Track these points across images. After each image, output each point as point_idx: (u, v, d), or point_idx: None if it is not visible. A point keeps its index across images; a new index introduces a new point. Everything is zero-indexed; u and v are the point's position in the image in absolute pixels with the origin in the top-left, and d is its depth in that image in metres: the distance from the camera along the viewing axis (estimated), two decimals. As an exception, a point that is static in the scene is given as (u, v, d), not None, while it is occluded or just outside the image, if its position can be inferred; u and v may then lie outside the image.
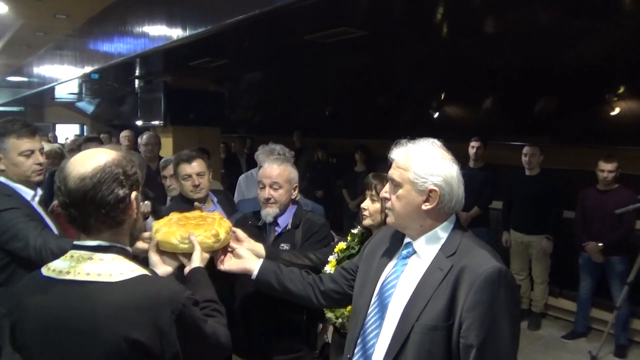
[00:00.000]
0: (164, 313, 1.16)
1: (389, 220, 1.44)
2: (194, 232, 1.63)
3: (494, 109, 5.72)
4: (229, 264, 1.76)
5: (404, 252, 1.43)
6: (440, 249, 1.36)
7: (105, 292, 1.15)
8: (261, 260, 1.78)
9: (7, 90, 16.50)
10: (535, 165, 4.66)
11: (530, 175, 4.70)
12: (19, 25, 7.62)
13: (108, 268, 1.19)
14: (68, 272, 1.19)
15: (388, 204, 1.43)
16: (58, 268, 1.21)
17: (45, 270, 1.23)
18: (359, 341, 1.42)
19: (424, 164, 1.36)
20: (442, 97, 6.12)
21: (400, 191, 1.38)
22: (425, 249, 1.38)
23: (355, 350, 1.42)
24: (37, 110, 18.37)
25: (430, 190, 1.35)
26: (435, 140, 1.43)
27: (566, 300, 4.84)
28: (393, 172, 1.41)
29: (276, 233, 2.22)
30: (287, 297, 1.77)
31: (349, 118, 7.46)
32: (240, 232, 1.88)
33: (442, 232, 1.39)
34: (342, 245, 2.06)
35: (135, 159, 2.85)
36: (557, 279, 4.85)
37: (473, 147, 5.00)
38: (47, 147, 5.15)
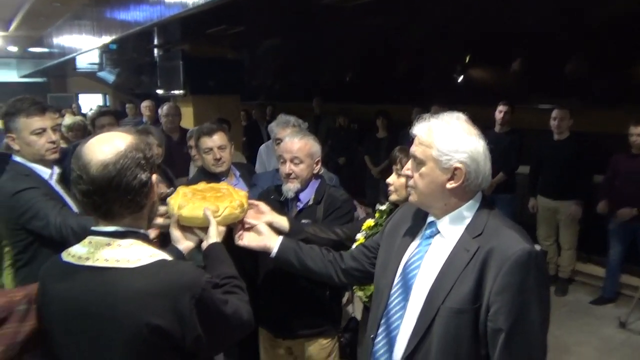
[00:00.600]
0: (183, 298, 1.15)
1: (412, 198, 1.39)
2: (219, 204, 1.62)
3: (521, 71, 5.50)
4: (248, 239, 1.74)
5: (428, 231, 1.39)
6: (466, 229, 1.31)
7: (124, 278, 1.15)
8: (281, 237, 1.75)
9: (29, 62, 16.66)
10: (564, 129, 4.48)
11: (559, 139, 4.54)
12: (35, -4, 7.59)
13: (126, 254, 1.18)
14: (87, 258, 1.19)
15: (410, 182, 1.37)
16: (78, 254, 1.21)
17: (65, 256, 1.23)
18: (382, 321, 1.39)
19: (448, 140, 1.28)
20: (467, 60, 5.90)
21: (423, 169, 1.32)
22: (450, 229, 1.33)
23: (379, 331, 1.40)
24: (59, 81, 18.58)
25: (455, 168, 1.28)
26: (461, 114, 1.35)
27: (594, 265, 4.76)
28: (415, 149, 1.34)
29: (298, 208, 2.18)
30: (308, 274, 1.75)
31: (369, 83, 7.30)
32: (263, 205, 1.86)
33: (467, 212, 1.33)
34: (370, 222, 2.00)
35: (152, 140, 2.83)
36: (585, 244, 4.75)
37: (501, 111, 4.83)
38: (69, 119, 5.20)
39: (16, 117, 2.07)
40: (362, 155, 6.48)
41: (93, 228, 1.24)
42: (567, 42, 4.83)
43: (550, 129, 4.54)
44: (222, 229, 1.63)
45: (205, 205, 1.61)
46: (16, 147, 2.10)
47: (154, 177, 1.25)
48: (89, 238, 1.23)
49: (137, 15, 6.14)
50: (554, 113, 4.49)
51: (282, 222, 1.89)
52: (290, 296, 2.14)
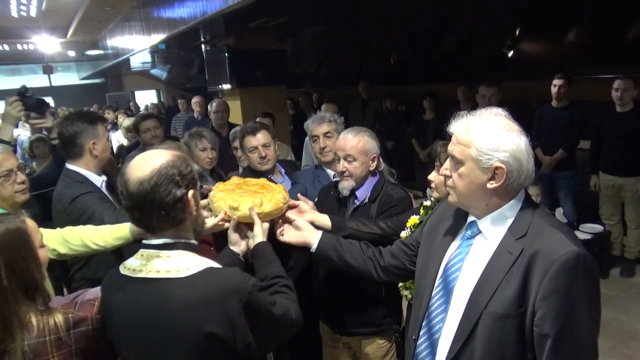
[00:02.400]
0: (232, 303, 1.20)
1: (451, 199, 1.35)
2: (264, 199, 1.65)
3: (579, 39, 5.15)
4: (288, 235, 1.75)
5: (468, 232, 1.34)
6: (509, 229, 1.25)
7: (175, 288, 1.21)
8: (320, 232, 1.75)
9: (88, 64, 17.52)
10: (628, 100, 4.19)
11: (622, 111, 4.25)
12: (87, 3, 7.92)
13: (175, 264, 1.24)
14: (141, 270, 1.26)
15: (449, 182, 1.33)
16: (132, 266, 1.28)
17: (122, 269, 1.30)
18: (424, 324, 1.37)
19: (487, 138, 1.23)
20: (517, 33, 5.60)
21: (462, 169, 1.27)
22: (492, 230, 1.28)
23: (421, 333, 1.38)
24: (116, 81, 19.42)
25: (496, 168, 1.23)
26: (500, 110, 1.29)
27: (664, 245, 4.44)
28: (453, 149, 1.29)
29: (354, 206, 2.17)
30: (347, 270, 1.74)
31: (415, 64, 7.10)
32: (303, 204, 1.87)
33: (509, 211, 1.27)
34: (414, 219, 1.96)
35: (205, 144, 2.90)
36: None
37: (556, 85, 4.56)
38: (128, 121, 5.40)
39: (96, 125, 2.24)
40: (410, 138, 6.36)
41: (144, 241, 1.30)
42: (628, 5, 4.47)
43: (613, 101, 4.25)
44: (266, 225, 1.66)
45: (249, 201, 1.64)
46: (95, 153, 2.23)
47: (191, 192, 1.28)
48: (141, 251, 1.29)
49: (182, 12, 6.28)
50: (616, 83, 4.19)
51: (324, 220, 1.89)
52: (345, 293, 2.15)
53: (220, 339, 1.19)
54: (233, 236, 1.65)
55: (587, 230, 4.41)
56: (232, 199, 1.66)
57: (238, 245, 1.64)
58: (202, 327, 1.18)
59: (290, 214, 1.78)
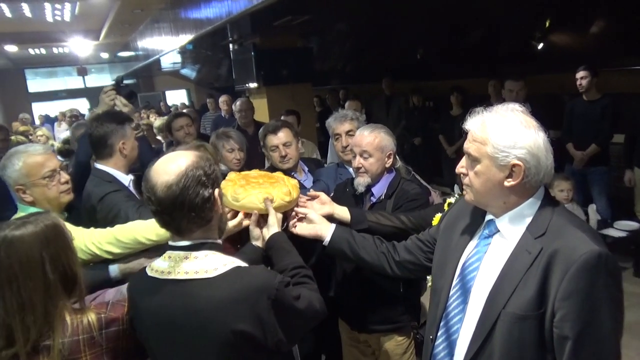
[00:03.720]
0: (260, 301, 1.22)
1: (467, 197, 1.32)
2: (270, 192, 1.66)
3: (611, 30, 4.97)
4: (300, 228, 1.75)
5: (486, 231, 1.32)
6: (527, 228, 1.23)
7: (204, 288, 1.23)
8: (333, 226, 1.75)
9: (120, 65, 17.97)
10: (664, 92, 4.04)
11: (658, 103, 4.10)
12: (117, 7, 8.12)
13: (203, 264, 1.26)
14: (169, 272, 1.28)
15: (465, 180, 1.31)
16: (160, 268, 1.30)
17: (149, 271, 1.33)
18: (441, 324, 1.36)
19: (504, 135, 1.20)
20: (547, 25, 5.44)
21: (478, 167, 1.25)
22: (510, 229, 1.26)
23: (439, 334, 1.36)
24: (147, 81, 19.85)
25: (513, 165, 1.20)
26: (516, 106, 1.26)
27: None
28: (469, 146, 1.27)
29: (371, 202, 2.16)
30: (361, 265, 1.74)
31: (442, 58, 7.00)
32: (324, 195, 1.87)
33: (528, 210, 1.24)
34: (439, 217, 1.93)
35: (232, 144, 2.95)
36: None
37: (578, 78, 4.43)
38: (159, 121, 5.51)
39: (125, 125, 2.29)
40: (438, 134, 6.27)
41: (170, 243, 1.33)
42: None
43: (647, 93, 4.11)
44: (280, 216, 1.67)
45: (261, 193, 1.64)
46: (125, 152, 2.29)
47: (217, 191, 1.30)
48: (168, 253, 1.32)
49: (208, 12, 6.38)
50: (651, 75, 4.05)
51: (343, 212, 1.89)
52: (363, 290, 2.14)
53: (250, 336, 1.21)
54: (256, 231, 1.66)
55: (622, 228, 4.26)
56: (261, 193, 1.66)
57: (260, 239, 1.65)
58: (232, 326, 1.19)
59: (307, 205, 1.79)
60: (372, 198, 2.17)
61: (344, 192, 2.26)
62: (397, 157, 2.20)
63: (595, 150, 4.46)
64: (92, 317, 1.34)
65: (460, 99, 5.88)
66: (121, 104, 2.66)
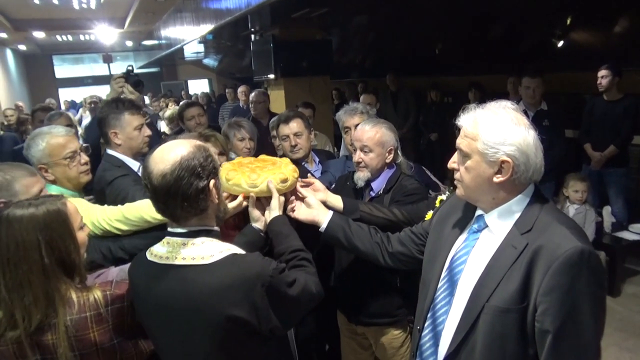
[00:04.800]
0: (255, 287, 1.25)
1: (458, 192, 1.35)
2: (259, 175, 1.67)
3: (634, 28, 4.85)
4: (298, 212, 1.77)
5: (475, 225, 1.34)
6: (515, 224, 1.25)
7: (200, 274, 1.27)
8: (331, 212, 1.77)
9: (144, 54, 18.23)
10: (686, 93, 3.94)
11: (680, 105, 4.00)
12: (142, -5, 8.23)
13: (200, 251, 1.30)
14: (167, 258, 1.32)
15: (457, 175, 1.33)
16: (159, 253, 1.35)
17: (149, 255, 1.37)
18: (429, 315, 1.39)
19: (494, 131, 1.22)
20: (568, 22, 5.34)
21: (468, 162, 1.28)
22: (498, 224, 1.28)
23: (426, 325, 1.39)
24: (170, 70, 20.08)
25: (502, 162, 1.22)
26: (508, 103, 1.27)
27: None
28: (461, 142, 1.30)
29: (369, 197, 2.18)
30: (354, 253, 1.77)
31: (460, 54, 6.93)
32: (318, 182, 1.89)
33: (516, 206, 1.26)
34: (431, 215, 1.95)
35: (244, 134, 2.99)
36: None
37: (600, 76, 4.35)
38: (168, 112, 5.60)
39: (121, 115, 2.31)
40: (455, 131, 6.22)
41: (169, 229, 1.37)
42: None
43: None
44: (282, 199, 1.68)
45: (264, 175, 1.66)
46: (118, 141, 2.33)
47: (212, 182, 1.33)
48: (167, 239, 1.36)
49: (228, 3, 6.42)
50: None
51: (336, 201, 1.91)
52: (360, 283, 2.16)
53: (244, 321, 1.25)
54: (255, 212, 1.68)
55: (637, 231, 4.20)
56: (248, 176, 1.67)
57: (260, 221, 1.68)
58: (226, 311, 1.23)
59: (304, 191, 1.81)
60: (371, 193, 2.18)
61: (344, 185, 2.27)
62: (398, 152, 2.20)
63: (614, 151, 4.39)
64: (97, 294, 1.39)
65: (479, 95, 5.82)
66: (128, 92, 2.75)
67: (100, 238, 1.94)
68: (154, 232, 1.87)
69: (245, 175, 1.68)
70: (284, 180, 1.70)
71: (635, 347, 3.29)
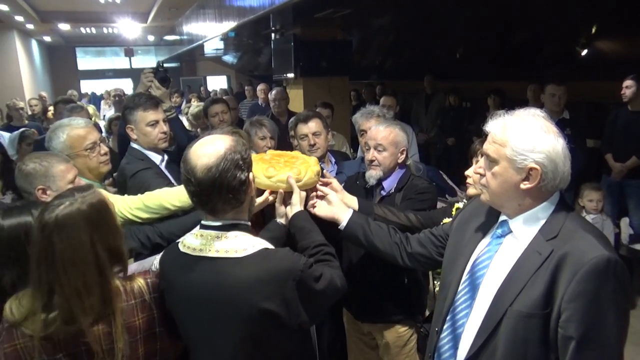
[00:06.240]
0: (287, 282, 1.29)
1: (483, 197, 1.36)
2: (301, 168, 1.70)
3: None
4: (319, 209, 1.79)
5: (499, 230, 1.35)
6: (540, 230, 1.26)
7: (233, 267, 1.30)
8: (351, 211, 1.79)
9: (165, 49, 18.41)
10: None
11: None
12: (166, -10, 8.33)
13: (233, 244, 1.33)
14: (201, 250, 1.35)
15: (482, 181, 1.34)
16: (192, 245, 1.37)
17: (181, 247, 1.40)
18: (448, 317, 1.40)
19: (523, 138, 1.23)
20: (593, 31, 5.29)
21: (496, 168, 1.28)
22: (523, 230, 1.29)
23: (445, 327, 1.41)
24: (190, 65, 20.27)
25: (531, 169, 1.23)
26: (538, 111, 1.28)
27: None
28: (488, 147, 1.30)
29: (381, 196, 2.21)
30: (372, 252, 1.78)
31: (482, 59, 6.89)
32: (335, 182, 1.91)
33: (542, 213, 1.27)
34: (447, 221, 1.92)
35: (265, 132, 3.02)
36: None
37: (625, 87, 4.29)
38: (195, 109, 5.62)
39: (134, 111, 2.35)
40: (472, 136, 6.20)
41: (203, 222, 1.40)
42: None
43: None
44: (304, 194, 1.71)
45: (285, 171, 1.68)
46: (134, 136, 2.39)
47: (251, 174, 1.37)
48: (200, 231, 1.39)
49: (252, 1, 6.48)
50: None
51: (352, 202, 1.93)
52: (366, 281, 2.18)
53: (274, 314, 1.28)
54: (281, 209, 1.70)
55: (655, 244, 4.14)
56: (267, 169, 1.69)
57: (285, 218, 1.70)
58: (258, 304, 1.26)
59: (324, 189, 1.83)
60: (382, 192, 2.21)
61: (354, 185, 2.30)
62: (407, 154, 2.24)
63: (636, 163, 4.33)
64: (141, 282, 1.41)
65: (498, 101, 5.78)
66: (154, 87, 2.80)
67: (137, 226, 1.98)
68: (191, 218, 1.91)
69: (264, 169, 1.69)
70: (299, 180, 1.71)
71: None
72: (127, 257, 1.44)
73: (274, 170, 1.70)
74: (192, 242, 1.37)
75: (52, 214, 1.27)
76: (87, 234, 1.28)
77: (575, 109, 4.36)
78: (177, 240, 1.47)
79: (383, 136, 2.16)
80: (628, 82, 4.28)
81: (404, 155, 2.21)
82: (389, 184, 2.20)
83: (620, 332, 1.16)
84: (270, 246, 1.37)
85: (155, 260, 1.63)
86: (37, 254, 1.27)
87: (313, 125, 2.75)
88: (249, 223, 1.43)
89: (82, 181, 1.96)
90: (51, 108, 6.49)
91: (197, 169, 1.29)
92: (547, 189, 1.25)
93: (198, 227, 1.42)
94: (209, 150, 1.31)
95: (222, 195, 1.31)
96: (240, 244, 1.32)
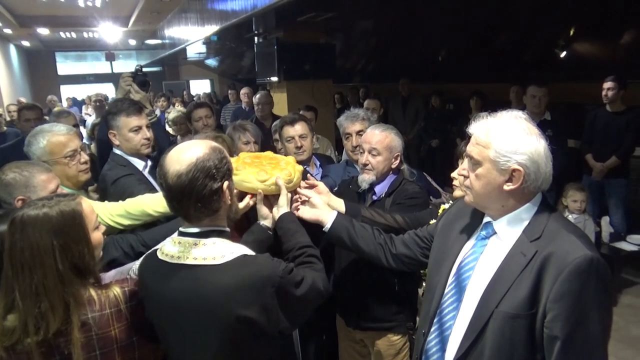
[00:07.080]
0: (265, 288, 1.27)
1: (467, 199, 1.37)
2: (267, 172, 1.67)
3: (638, 41, 4.90)
4: (303, 211, 1.77)
5: (483, 232, 1.36)
6: (524, 231, 1.27)
7: (211, 275, 1.28)
8: (335, 212, 1.78)
9: (147, 53, 18.24)
10: (687, 106, 3.97)
11: (682, 118, 4.03)
12: (147, -5, 8.25)
13: (211, 251, 1.31)
14: (179, 257, 1.33)
15: (466, 182, 1.35)
16: (170, 253, 1.35)
17: (160, 254, 1.38)
18: (435, 320, 1.40)
19: (506, 140, 1.24)
20: (572, 33, 5.38)
21: (479, 170, 1.29)
22: (507, 231, 1.30)
23: (432, 329, 1.41)
24: (172, 69, 20.10)
25: (514, 170, 1.24)
26: (520, 113, 1.29)
27: None
28: (472, 149, 1.31)
29: (372, 201, 2.19)
30: (357, 253, 1.77)
31: (464, 61, 6.96)
32: (322, 185, 1.90)
33: (525, 214, 1.28)
34: (434, 223, 1.96)
35: (248, 137, 2.99)
36: None
37: (605, 88, 4.38)
38: (173, 114, 5.57)
39: (117, 116, 2.32)
40: (456, 138, 6.26)
41: (181, 229, 1.38)
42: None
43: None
44: (290, 196, 1.69)
45: (276, 173, 1.67)
46: (116, 142, 2.35)
47: (226, 184, 1.34)
48: (178, 238, 1.37)
49: (234, 5, 6.45)
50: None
51: (339, 204, 1.91)
52: (359, 288, 2.17)
53: (253, 321, 1.26)
54: (263, 210, 1.68)
55: (635, 242, 4.23)
56: (258, 172, 1.67)
57: (268, 218, 1.68)
58: (236, 312, 1.24)
59: (308, 192, 1.81)
60: (373, 196, 2.19)
61: (346, 189, 2.28)
62: (402, 160, 2.23)
63: (615, 162, 4.42)
64: (117, 290, 1.38)
65: (480, 103, 5.85)
66: (134, 91, 2.77)
67: (120, 235, 1.95)
68: (174, 225, 1.87)
69: (255, 172, 1.68)
70: (290, 181, 1.71)
71: (631, 358, 3.31)
72: (98, 272, 1.41)
73: (265, 174, 1.68)
74: (170, 249, 1.36)
75: (20, 212, 1.30)
76: (49, 238, 1.28)
77: (555, 110, 4.42)
78: (155, 247, 1.45)
79: (378, 140, 2.14)
80: (609, 84, 4.36)
81: (397, 161, 2.19)
82: (381, 189, 2.18)
83: (604, 330, 1.17)
84: (250, 252, 1.35)
85: (134, 266, 1.60)
86: (3, 250, 1.29)
87: (299, 128, 2.74)
88: (228, 229, 1.42)
89: (64, 191, 1.92)
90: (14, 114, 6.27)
91: (168, 175, 1.28)
92: (530, 190, 1.26)
93: (176, 233, 1.40)
94: (183, 156, 1.29)
95: (191, 203, 1.29)
96: (218, 251, 1.31)
